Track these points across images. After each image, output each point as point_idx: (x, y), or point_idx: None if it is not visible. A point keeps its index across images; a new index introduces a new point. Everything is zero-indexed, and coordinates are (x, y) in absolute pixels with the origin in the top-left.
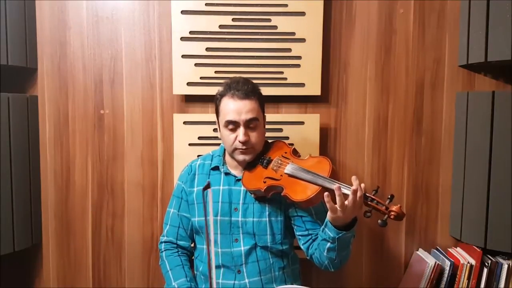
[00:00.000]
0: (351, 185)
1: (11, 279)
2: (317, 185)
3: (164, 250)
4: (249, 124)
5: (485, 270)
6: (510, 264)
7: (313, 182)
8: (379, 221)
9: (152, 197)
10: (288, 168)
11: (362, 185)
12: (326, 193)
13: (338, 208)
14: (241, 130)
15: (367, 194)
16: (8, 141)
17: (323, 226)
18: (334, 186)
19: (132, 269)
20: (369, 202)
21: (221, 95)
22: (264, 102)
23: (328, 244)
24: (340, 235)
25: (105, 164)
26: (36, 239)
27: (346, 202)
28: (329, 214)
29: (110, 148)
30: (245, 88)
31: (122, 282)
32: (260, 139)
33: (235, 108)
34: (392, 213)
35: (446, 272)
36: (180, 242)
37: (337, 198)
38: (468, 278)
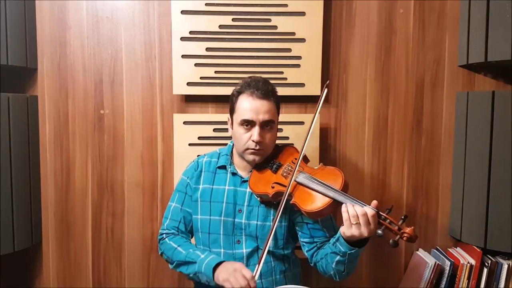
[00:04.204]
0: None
1: (11, 279)
2: (328, 197)
3: (166, 237)
4: (265, 125)
5: (485, 270)
6: (510, 264)
7: (324, 194)
8: (390, 241)
9: (152, 197)
10: (299, 177)
11: (375, 202)
12: (343, 207)
13: (354, 229)
14: (256, 130)
15: (380, 213)
16: (8, 141)
17: (334, 240)
18: (345, 201)
19: (132, 269)
20: (381, 221)
21: (239, 92)
22: (280, 105)
23: (338, 257)
24: (352, 251)
25: (105, 164)
26: (36, 239)
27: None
28: (342, 229)
29: (110, 148)
30: (265, 88)
31: (122, 282)
32: (273, 141)
33: (253, 107)
34: (405, 235)
35: (446, 272)
36: (181, 235)
37: (351, 216)
38: (468, 278)
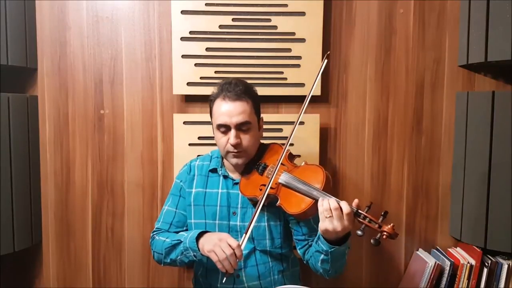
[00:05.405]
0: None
1: (11, 279)
2: (311, 197)
3: (156, 235)
4: (241, 127)
5: (485, 270)
6: (510, 264)
7: (307, 195)
8: (372, 240)
9: (152, 197)
10: (283, 178)
11: (356, 201)
12: (319, 201)
13: (327, 223)
14: (232, 133)
15: (360, 211)
16: (8, 141)
17: (316, 238)
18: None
19: (132, 269)
20: (361, 220)
21: (214, 97)
22: (260, 103)
23: (322, 256)
24: (332, 249)
25: (105, 164)
26: (36, 239)
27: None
28: (320, 227)
29: (110, 148)
30: (237, 89)
31: (122, 282)
32: (253, 142)
33: (225, 110)
34: (385, 233)
35: (446, 272)
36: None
37: (324, 209)
38: (468, 278)
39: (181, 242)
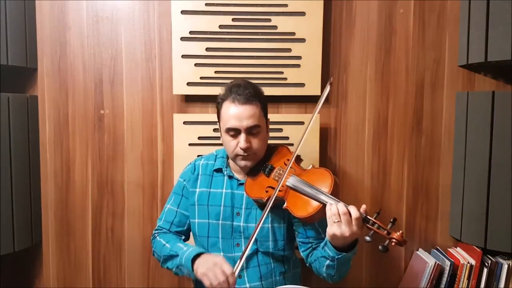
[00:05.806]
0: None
1: (11, 279)
2: (318, 201)
3: (157, 235)
4: (251, 131)
5: (485, 270)
6: (510, 264)
7: (315, 198)
8: (380, 246)
9: (152, 197)
10: (290, 181)
11: (363, 206)
12: (328, 206)
13: (335, 227)
14: (242, 137)
15: (368, 217)
16: (8, 141)
17: (323, 244)
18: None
19: (132, 269)
20: (369, 226)
21: (222, 99)
22: (267, 105)
23: (328, 262)
24: (339, 256)
25: (105, 164)
26: (36, 239)
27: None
28: (328, 232)
29: (110, 148)
30: (247, 92)
31: (122, 282)
32: (262, 145)
33: (235, 114)
34: (394, 240)
35: (446, 272)
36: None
37: (332, 213)
38: (468, 278)
39: (178, 256)
